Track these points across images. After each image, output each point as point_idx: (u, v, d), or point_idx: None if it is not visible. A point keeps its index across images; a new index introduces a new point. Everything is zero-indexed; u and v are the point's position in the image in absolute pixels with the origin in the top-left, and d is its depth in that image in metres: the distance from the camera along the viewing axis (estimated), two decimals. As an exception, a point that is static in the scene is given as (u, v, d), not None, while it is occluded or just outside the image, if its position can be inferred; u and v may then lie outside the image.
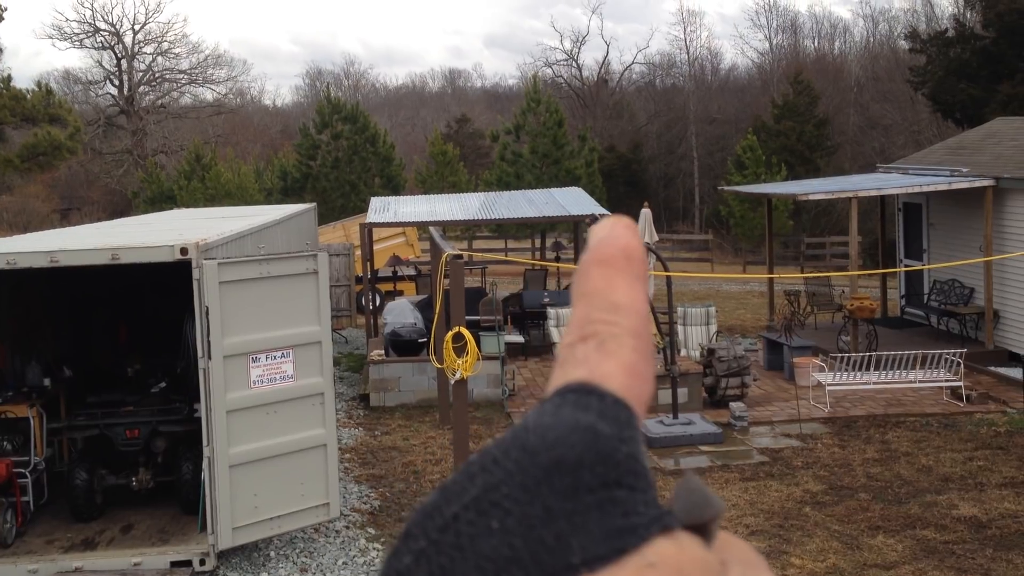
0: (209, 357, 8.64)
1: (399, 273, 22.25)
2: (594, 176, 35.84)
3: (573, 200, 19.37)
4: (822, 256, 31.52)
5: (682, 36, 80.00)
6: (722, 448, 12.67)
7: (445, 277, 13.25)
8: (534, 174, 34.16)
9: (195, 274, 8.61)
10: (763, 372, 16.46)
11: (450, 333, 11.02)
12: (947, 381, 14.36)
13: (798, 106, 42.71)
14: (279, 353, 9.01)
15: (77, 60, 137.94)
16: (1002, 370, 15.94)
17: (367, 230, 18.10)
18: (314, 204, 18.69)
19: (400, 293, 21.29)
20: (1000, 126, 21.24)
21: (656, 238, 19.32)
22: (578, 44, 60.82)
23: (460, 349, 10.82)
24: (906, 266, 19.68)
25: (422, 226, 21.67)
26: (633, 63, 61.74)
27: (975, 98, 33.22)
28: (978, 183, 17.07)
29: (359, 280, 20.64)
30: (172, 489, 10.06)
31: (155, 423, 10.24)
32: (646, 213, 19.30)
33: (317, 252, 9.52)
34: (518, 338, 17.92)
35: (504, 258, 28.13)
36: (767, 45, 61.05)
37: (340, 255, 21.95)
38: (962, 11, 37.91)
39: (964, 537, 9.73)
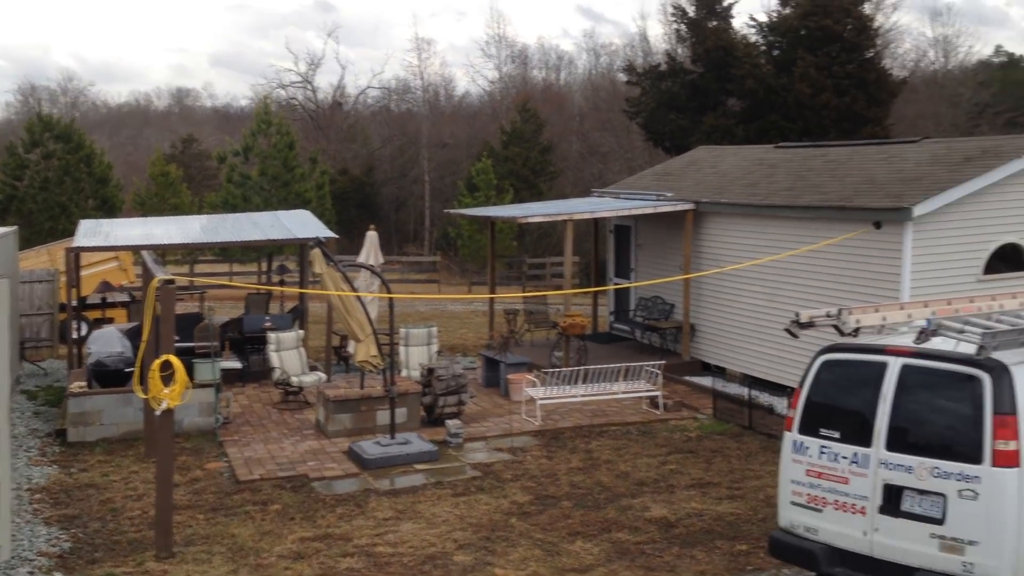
0: None
1: (109, 300, 21.08)
2: (325, 199, 35.56)
3: (300, 223, 19.10)
4: (543, 276, 32.76)
5: (416, 63, 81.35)
6: (437, 465, 12.85)
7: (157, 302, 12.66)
8: (262, 196, 33.45)
9: None
10: (481, 389, 16.86)
11: (157, 361, 10.54)
12: (647, 391, 15.28)
13: (525, 133, 44.29)
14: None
15: None
16: (696, 379, 17.15)
17: (74, 254, 17.04)
18: (15, 228, 17.39)
19: (110, 320, 20.17)
20: (702, 154, 22.93)
21: (382, 260, 19.33)
22: (313, 67, 60.31)
23: (168, 378, 10.36)
24: (615, 284, 20.78)
25: (136, 250, 20.62)
26: (368, 87, 61.94)
27: (683, 128, 35.70)
28: (680, 207, 18.32)
29: (64, 308, 19.39)
30: None
31: None
32: (372, 236, 19.29)
33: (-6, 278, 8.86)
34: (235, 364, 17.43)
35: (226, 282, 27.29)
36: (497, 74, 62.97)
37: (43, 281, 20.55)
38: (674, 46, 40.55)
39: (654, 537, 10.34)
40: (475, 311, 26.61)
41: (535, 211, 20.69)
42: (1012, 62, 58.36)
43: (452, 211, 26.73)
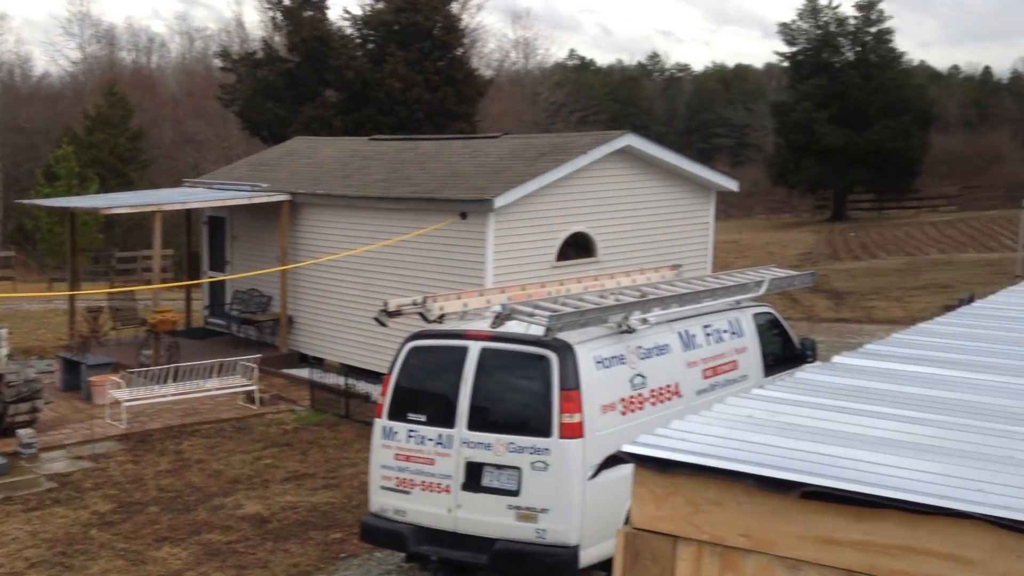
0: None
1: None
2: None
3: None
4: (134, 270, 30.97)
5: (-15, 37, 73.48)
6: (6, 480, 11.70)
7: None
8: None
9: None
10: (59, 394, 15.56)
11: None
12: (242, 386, 14.90)
13: (112, 118, 41.63)
14: None
15: None
16: (294, 371, 17.00)
17: None
18: None
19: None
20: (298, 145, 22.73)
21: (-64, 256, 17.21)
22: None
23: None
24: (209, 277, 20.07)
25: None
26: (-77, 62, 54.98)
27: (281, 117, 35.24)
28: (276, 198, 18.02)
29: None
30: None
31: None
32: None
33: None
34: None
35: None
36: (81, 55, 58.58)
37: None
38: (271, 34, 39.89)
39: (247, 534, 10.10)
40: (55, 310, 24.52)
41: (121, 202, 19.55)
42: (584, 65, 64.06)
43: (26, 201, 24.54)
